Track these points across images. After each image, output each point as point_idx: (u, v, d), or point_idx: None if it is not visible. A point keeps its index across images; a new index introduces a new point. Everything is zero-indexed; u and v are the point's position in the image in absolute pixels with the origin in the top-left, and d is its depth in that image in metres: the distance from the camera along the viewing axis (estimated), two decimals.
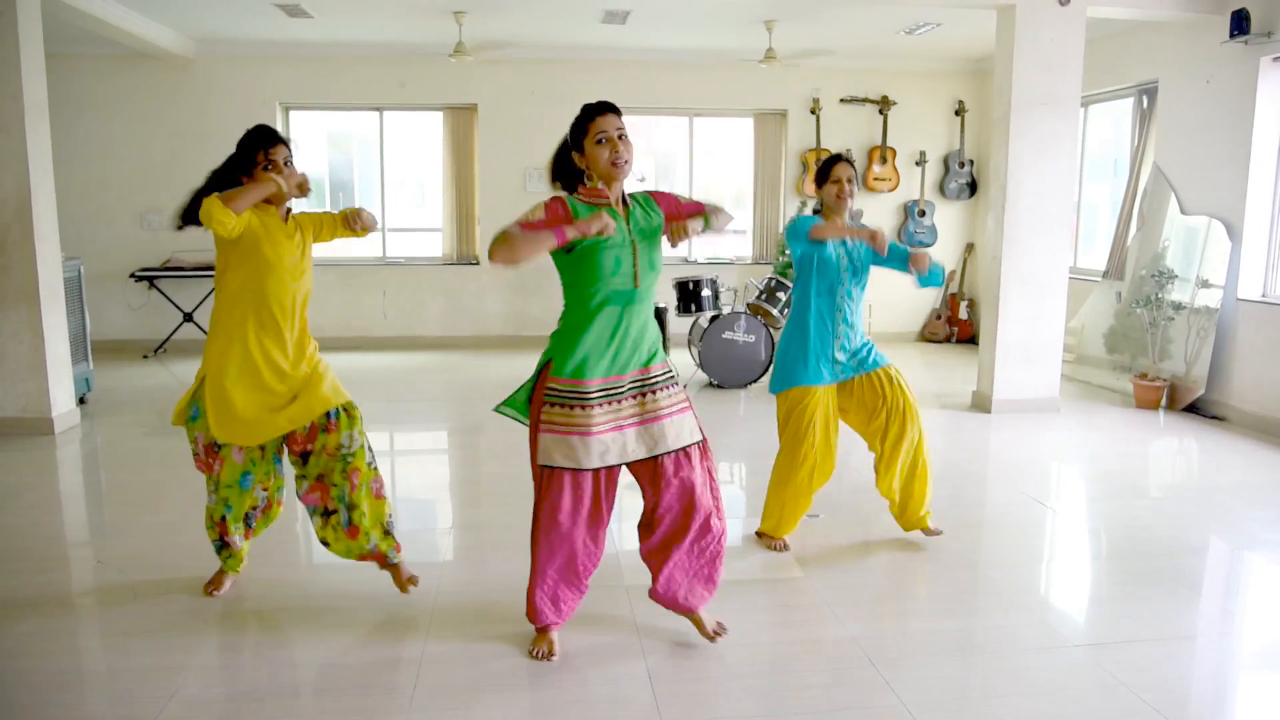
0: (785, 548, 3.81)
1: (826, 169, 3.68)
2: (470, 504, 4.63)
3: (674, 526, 2.84)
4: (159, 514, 4.24)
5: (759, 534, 3.90)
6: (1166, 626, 3.15)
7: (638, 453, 2.76)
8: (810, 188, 9.22)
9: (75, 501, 4.69)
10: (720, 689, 2.72)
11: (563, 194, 2.77)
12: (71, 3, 6.13)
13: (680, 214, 2.83)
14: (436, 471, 5.27)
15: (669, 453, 2.78)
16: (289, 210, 3.23)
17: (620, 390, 2.75)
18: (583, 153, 2.73)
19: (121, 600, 3.31)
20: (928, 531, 3.87)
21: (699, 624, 2.96)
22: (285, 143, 3.15)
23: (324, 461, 3.20)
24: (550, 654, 2.84)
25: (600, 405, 2.72)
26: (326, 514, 3.26)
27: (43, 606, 3.24)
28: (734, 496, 4.73)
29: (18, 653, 2.91)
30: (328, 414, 3.18)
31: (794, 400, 3.70)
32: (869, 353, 3.73)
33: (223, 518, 3.26)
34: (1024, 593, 3.45)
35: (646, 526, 2.89)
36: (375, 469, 3.28)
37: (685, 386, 2.86)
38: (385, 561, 3.30)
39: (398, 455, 5.59)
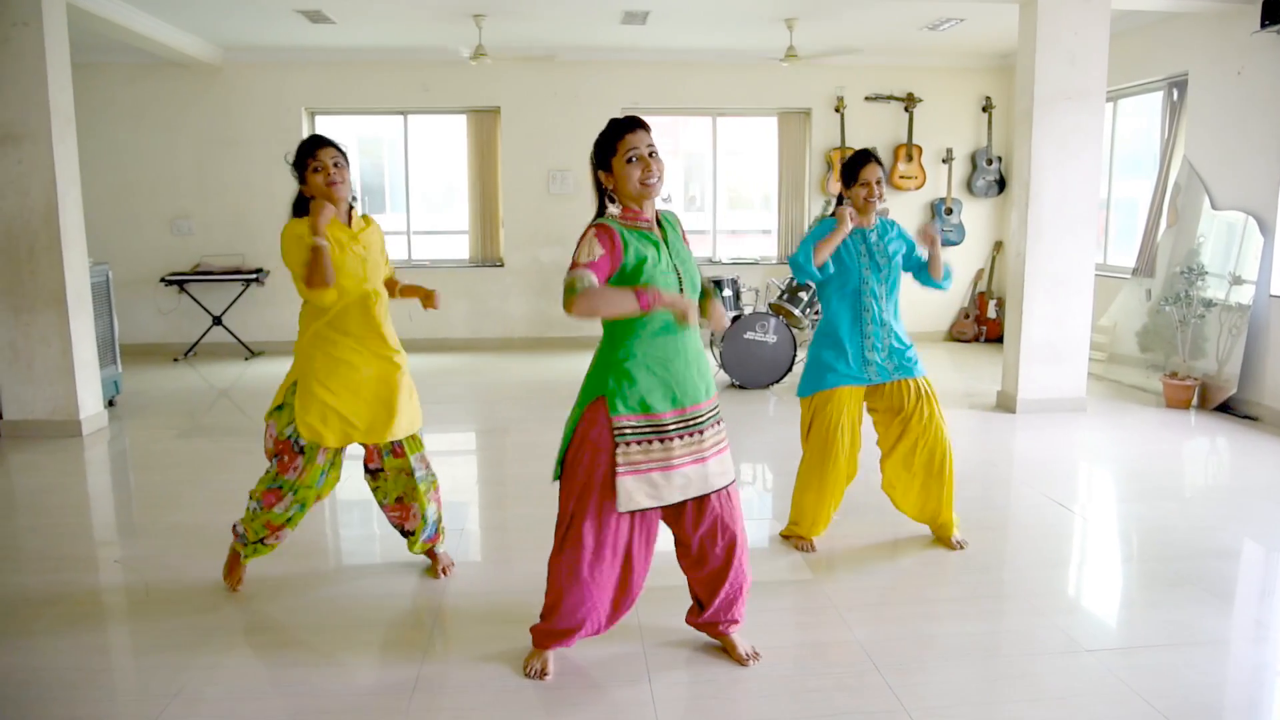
0: (813, 548, 3.77)
1: (854, 169, 3.58)
2: (495, 505, 4.62)
3: (719, 560, 2.78)
4: (181, 514, 4.30)
5: (785, 535, 3.88)
6: (1187, 632, 3.07)
7: (717, 482, 2.68)
8: (835, 186, 9.14)
9: (100, 502, 4.77)
10: (719, 692, 2.70)
11: (605, 221, 2.57)
12: (99, 13, 6.25)
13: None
14: (463, 473, 5.29)
15: (718, 490, 2.72)
16: (351, 211, 3.24)
17: (700, 421, 2.66)
18: (610, 171, 2.58)
19: (136, 599, 3.37)
20: (949, 544, 3.81)
21: (731, 647, 2.88)
22: (333, 145, 3.19)
23: (402, 482, 3.38)
24: (544, 672, 2.75)
25: (680, 437, 2.62)
26: (407, 533, 3.47)
27: (60, 605, 3.30)
28: (759, 498, 4.71)
29: (32, 650, 2.97)
30: (399, 440, 3.33)
31: (819, 404, 3.67)
32: (905, 359, 3.65)
33: (287, 520, 3.26)
34: (1039, 596, 3.38)
35: (694, 561, 2.81)
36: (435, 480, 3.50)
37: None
38: (433, 550, 3.56)
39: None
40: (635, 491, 2.57)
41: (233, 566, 3.42)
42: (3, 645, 3.00)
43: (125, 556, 3.81)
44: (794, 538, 3.83)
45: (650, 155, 2.56)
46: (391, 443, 3.32)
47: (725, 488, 2.73)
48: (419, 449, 3.41)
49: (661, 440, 2.59)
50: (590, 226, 2.56)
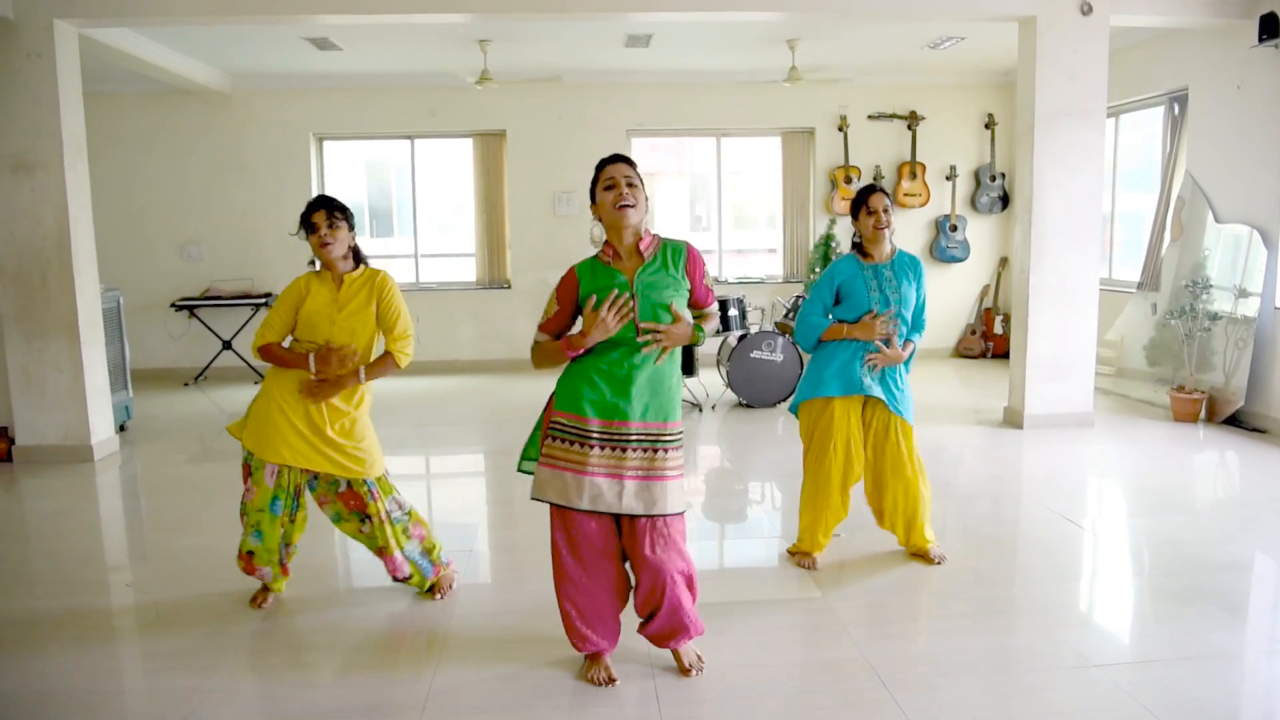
0: (814, 566, 3.77)
1: (861, 199, 3.64)
2: (504, 526, 4.63)
3: (648, 594, 2.81)
4: (192, 538, 4.32)
5: (790, 552, 3.88)
6: (1198, 646, 3.06)
7: (633, 508, 2.71)
8: (839, 205, 9.18)
9: (111, 526, 4.80)
10: (726, 710, 2.70)
11: (577, 264, 2.80)
12: (110, 43, 6.34)
13: (694, 294, 2.84)
14: (471, 494, 5.30)
15: (658, 517, 2.74)
16: (350, 270, 3.34)
17: (627, 438, 2.72)
18: (595, 203, 2.77)
19: (147, 622, 3.39)
20: (927, 559, 3.80)
21: (677, 657, 2.92)
22: (326, 206, 3.27)
23: (365, 540, 3.43)
24: (609, 679, 2.82)
25: (600, 447, 2.71)
26: (404, 579, 3.50)
27: (72, 628, 3.32)
28: (766, 517, 4.71)
29: (44, 673, 2.99)
30: (363, 481, 3.36)
31: (815, 413, 3.70)
32: (894, 392, 3.66)
33: (250, 552, 3.37)
34: (1048, 612, 3.38)
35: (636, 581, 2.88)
36: (409, 535, 3.46)
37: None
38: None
39: (433, 478, 5.66)
40: (545, 483, 2.74)
41: (259, 593, 3.52)
42: (16, 668, 3.02)
43: (137, 580, 3.83)
44: (798, 554, 3.84)
45: (629, 185, 2.71)
46: (367, 486, 3.36)
47: (650, 517, 2.74)
48: (385, 493, 3.42)
49: (583, 444, 2.71)
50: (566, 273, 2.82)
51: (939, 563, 3.78)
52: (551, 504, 2.76)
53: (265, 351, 3.30)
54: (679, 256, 2.80)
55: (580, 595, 2.81)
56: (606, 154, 2.86)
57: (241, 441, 3.34)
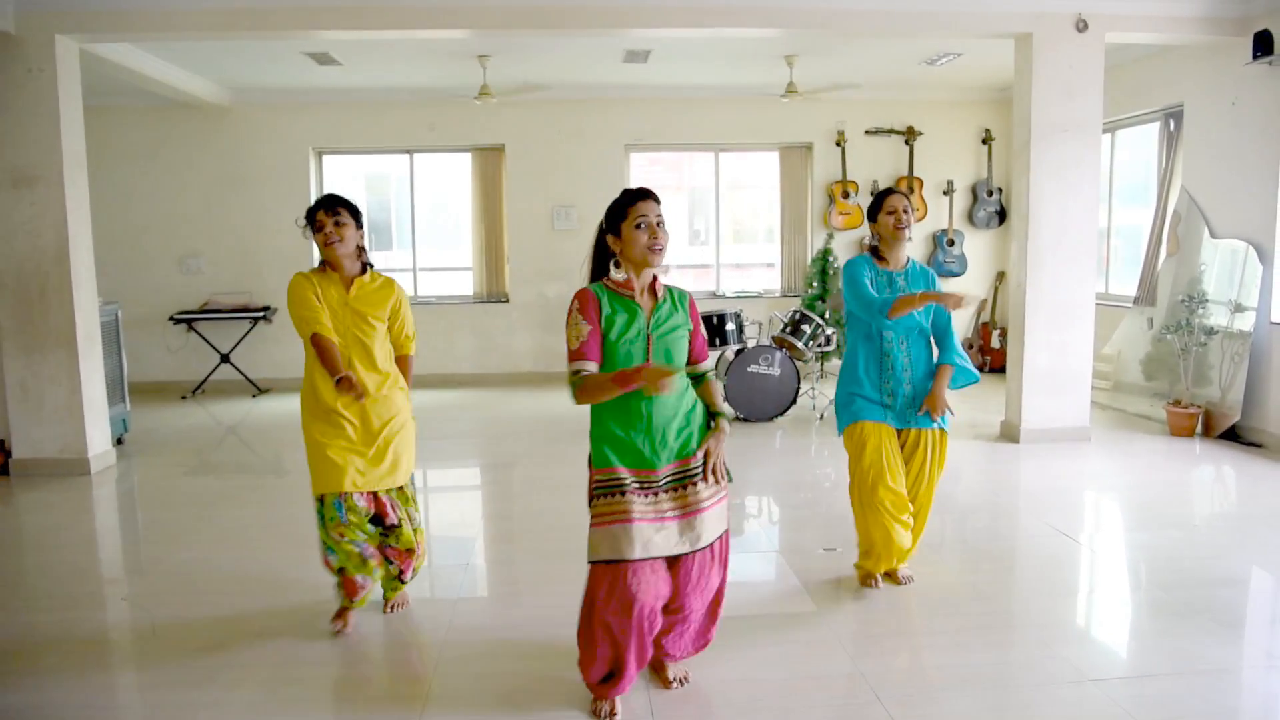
0: (878, 584, 3.70)
1: (880, 201, 3.62)
2: (502, 540, 4.63)
3: (683, 616, 2.82)
4: (188, 552, 4.31)
5: (856, 566, 3.80)
6: (1194, 661, 3.06)
7: (681, 547, 2.68)
8: (837, 220, 9.22)
9: (108, 540, 4.79)
10: None
11: (587, 286, 2.73)
12: (111, 58, 6.37)
13: (694, 339, 2.82)
14: (469, 507, 5.30)
15: (703, 549, 2.73)
16: (362, 271, 3.37)
17: (656, 483, 2.68)
18: (619, 236, 2.70)
19: (143, 637, 3.38)
20: (894, 580, 3.76)
21: (663, 669, 2.92)
22: (331, 205, 3.28)
23: (405, 534, 3.38)
24: (613, 713, 2.73)
25: (638, 494, 2.65)
26: (400, 575, 3.48)
27: (67, 643, 3.31)
28: (764, 531, 4.71)
29: (40, 688, 2.98)
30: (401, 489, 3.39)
31: (856, 437, 3.61)
32: (919, 409, 3.61)
33: (329, 549, 3.33)
34: (1044, 627, 3.38)
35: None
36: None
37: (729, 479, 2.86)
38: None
39: (431, 492, 5.64)
40: (598, 544, 2.64)
41: (339, 612, 3.44)
42: (11, 683, 3.02)
43: (133, 594, 3.82)
44: (860, 571, 3.76)
45: (658, 224, 2.68)
46: (396, 493, 3.37)
47: (695, 552, 2.72)
48: (411, 502, 3.45)
49: (622, 493, 2.63)
50: (574, 298, 2.69)
51: (905, 583, 3.74)
52: (607, 561, 2.64)
53: (316, 339, 3.24)
54: (684, 300, 2.82)
55: (608, 650, 2.72)
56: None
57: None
